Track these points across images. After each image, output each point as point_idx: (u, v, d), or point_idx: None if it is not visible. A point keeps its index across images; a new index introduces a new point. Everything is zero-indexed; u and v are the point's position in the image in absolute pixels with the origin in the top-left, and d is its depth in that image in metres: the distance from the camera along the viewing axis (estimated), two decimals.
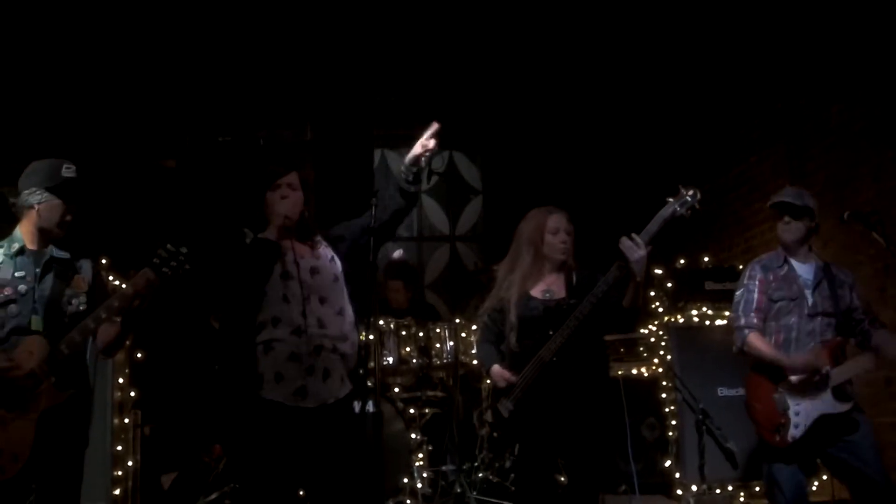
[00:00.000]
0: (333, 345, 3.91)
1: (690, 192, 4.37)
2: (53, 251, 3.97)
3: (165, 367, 7.06)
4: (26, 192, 3.91)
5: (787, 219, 4.73)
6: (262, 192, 4.06)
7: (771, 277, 4.74)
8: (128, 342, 4.17)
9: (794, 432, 4.49)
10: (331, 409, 3.88)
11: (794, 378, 4.53)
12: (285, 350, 3.82)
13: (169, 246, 3.76)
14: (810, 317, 4.63)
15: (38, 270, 3.90)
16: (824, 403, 4.49)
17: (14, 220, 4.01)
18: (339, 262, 4.10)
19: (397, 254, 8.36)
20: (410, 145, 4.17)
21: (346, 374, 3.98)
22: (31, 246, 3.94)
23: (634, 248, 4.24)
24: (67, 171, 3.92)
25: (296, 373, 3.81)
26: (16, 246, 3.92)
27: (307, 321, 3.85)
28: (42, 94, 7.69)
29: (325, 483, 3.90)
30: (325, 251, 4.11)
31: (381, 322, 6.35)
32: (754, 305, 4.72)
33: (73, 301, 3.92)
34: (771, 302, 4.71)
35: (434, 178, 9.10)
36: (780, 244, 4.82)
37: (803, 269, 4.74)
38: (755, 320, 4.70)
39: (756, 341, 4.65)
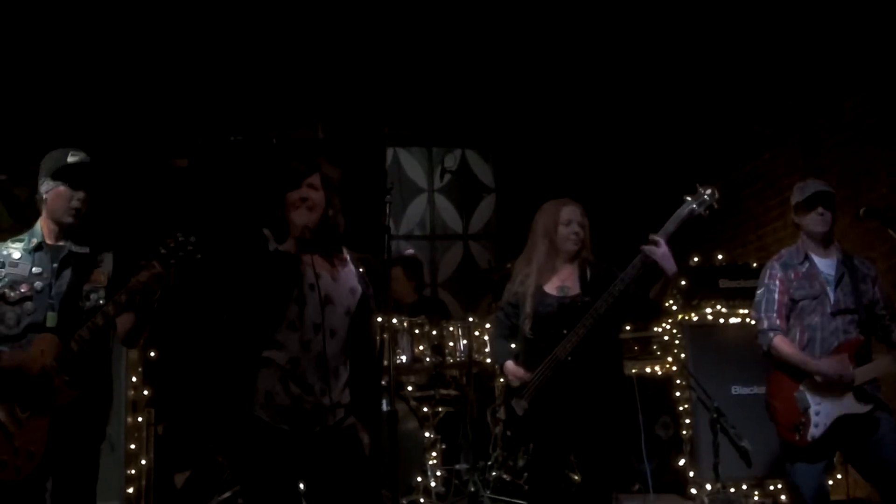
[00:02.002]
0: (325, 383, 3.73)
1: (708, 192, 4.36)
2: (72, 246, 3.95)
3: (179, 365, 7.06)
4: (39, 183, 3.91)
5: (820, 209, 4.65)
6: (283, 192, 3.85)
7: (792, 275, 4.68)
8: (144, 335, 4.08)
9: (813, 432, 4.46)
10: (319, 435, 3.72)
11: (819, 378, 4.50)
12: (278, 373, 3.68)
13: (178, 235, 3.71)
14: (833, 315, 4.57)
15: (55, 266, 3.89)
16: (845, 404, 4.45)
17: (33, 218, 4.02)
18: (358, 293, 3.89)
19: (409, 252, 8.36)
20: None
21: (339, 400, 3.79)
22: (49, 241, 3.93)
23: (655, 249, 4.24)
24: (73, 157, 3.90)
25: (284, 397, 3.67)
26: (34, 241, 3.92)
27: (307, 353, 3.70)
28: (54, 94, 7.70)
29: None
30: (347, 275, 3.90)
31: (395, 321, 6.33)
32: (776, 306, 4.66)
33: (92, 296, 3.91)
34: (793, 301, 4.65)
35: (447, 177, 9.16)
36: (807, 238, 4.72)
37: (825, 265, 4.68)
38: (778, 322, 4.64)
39: (782, 345, 4.59)
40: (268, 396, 3.67)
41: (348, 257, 3.96)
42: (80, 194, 3.91)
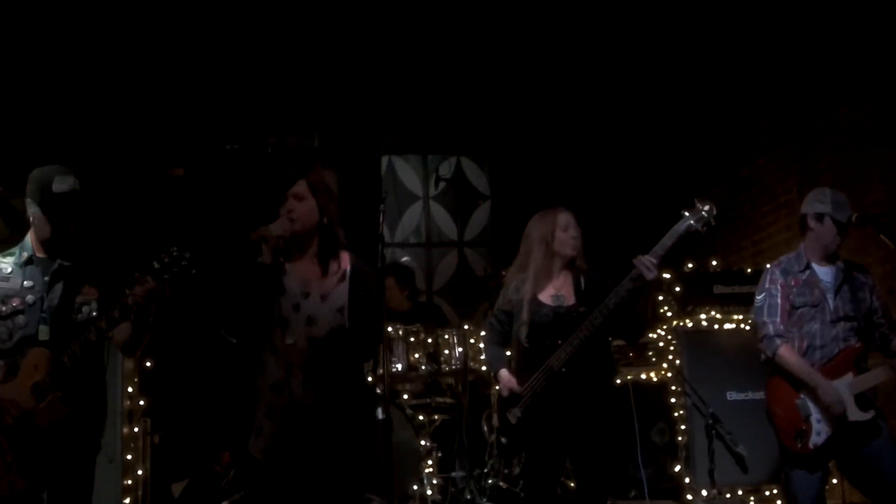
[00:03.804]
0: (317, 402, 3.68)
1: (706, 207, 4.33)
2: (63, 259, 3.90)
3: (175, 375, 7.06)
4: (26, 200, 3.86)
5: (846, 230, 4.62)
6: (278, 202, 3.85)
7: (792, 282, 4.62)
8: (143, 345, 4.05)
9: (816, 439, 4.41)
10: (311, 466, 3.67)
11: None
12: (264, 403, 3.66)
13: (173, 250, 3.69)
14: (832, 322, 4.52)
15: (46, 279, 3.86)
16: (847, 412, 4.40)
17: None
18: (346, 311, 3.83)
19: (404, 260, 8.36)
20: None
21: (334, 423, 3.72)
22: (39, 254, 3.90)
23: (648, 271, 4.23)
24: (59, 184, 3.77)
25: (270, 429, 3.64)
26: (25, 255, 3.89)
27: (290, 378, 3.65)
28: (50, 103, 7.71)
29: None
30: (339, 294, 3.85)
31: (390, 329, 6.33)
32: (779, 311, 4.59)
33: (84, 309, 3.88)
34: (793, 308, 4.59)
35: (442, 184, 9.18)
36: (816, 245, 4.64)
37: (824, 272, 4.62)
38: (783, 327, 4.56)
39: (788, 354, 4.50)
40: (257, 430, 3.67)
41: (348, 268, 3.92)
42: (65, 223, 3.85)
